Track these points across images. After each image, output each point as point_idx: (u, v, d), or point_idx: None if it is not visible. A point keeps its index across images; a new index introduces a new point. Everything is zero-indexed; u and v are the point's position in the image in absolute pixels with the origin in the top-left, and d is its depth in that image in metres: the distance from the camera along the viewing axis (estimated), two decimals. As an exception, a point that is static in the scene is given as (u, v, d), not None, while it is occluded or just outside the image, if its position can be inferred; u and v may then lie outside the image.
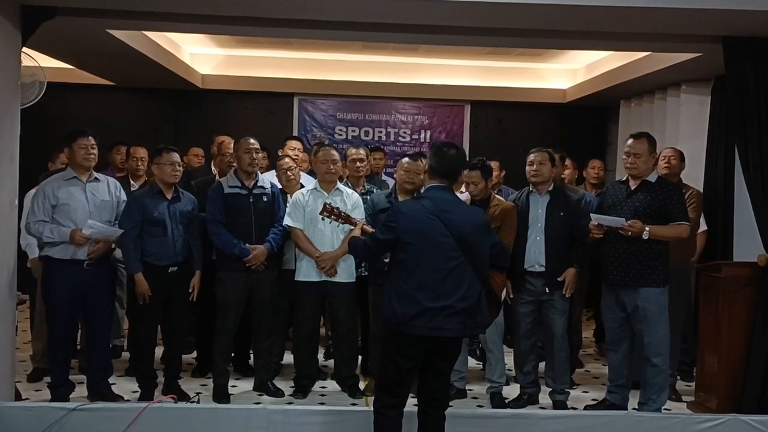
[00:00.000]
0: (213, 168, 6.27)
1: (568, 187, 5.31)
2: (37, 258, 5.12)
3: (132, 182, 5.91)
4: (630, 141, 4.76)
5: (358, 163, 5.48)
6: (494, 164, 5.54)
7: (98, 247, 4.68)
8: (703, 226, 5.71)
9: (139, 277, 4.72)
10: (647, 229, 4.49)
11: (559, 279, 4.80)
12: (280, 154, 6.20)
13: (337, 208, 4.21)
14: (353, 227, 4.17)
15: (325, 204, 4.11)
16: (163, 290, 4.78)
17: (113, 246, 4.83)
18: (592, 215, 4.71)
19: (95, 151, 4.77)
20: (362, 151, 5.61)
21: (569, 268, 4.82)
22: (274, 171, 6.10)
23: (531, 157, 4.93)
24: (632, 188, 4.71)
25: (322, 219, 4.17)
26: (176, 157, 4.89)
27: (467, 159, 3.95)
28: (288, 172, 5.43)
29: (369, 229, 4.01)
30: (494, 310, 3.80)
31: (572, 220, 4.83)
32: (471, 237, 3.52)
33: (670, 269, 4.72)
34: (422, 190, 3.73)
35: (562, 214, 4.84)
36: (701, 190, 5.85)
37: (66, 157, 4.90)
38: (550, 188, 4.93)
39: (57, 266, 4.65)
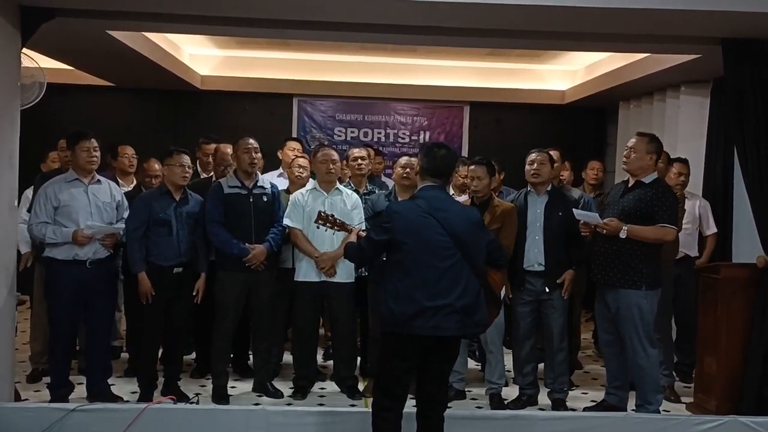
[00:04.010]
0: (199, 171, 6.14)
1: (566, 188, 5.34)
2: (26, 253, 5.22)
3: (120, 181, 5.65)
4: (633, 138, 4.78)
5: (359, 160, 5.50)
6: (491, 166, 5.56)
7: (107, 241, 4.73)
8: (713, 229, 5.75)
9: (142, 276, 4.73)
10: (625, 228, 4.47)
11: (558, 281, 4.82)
12: (279, 155, 6.20)
13: (332, 215, 4.13)
14: (349, 233, 4.04)
15: (319, 212, 4.07)
16: (166, 291, 4.79)
17: (121, 236, 4.84)
18: (574, 211, 4.73)
19: (97, 154, 4.79)
20: (363, 151, 5.65)
21: (568, 269, 4.84)
22: (272, 172, 6.11)
23: (531, 156, 4.94)
24: (628, 187, 4.72)
25: (317, 227, 4.15)
26: (186, 159, 4.89)
27: (458, 159, 3.93)
28: (300, 169, 5.42)
29: (364, 234, 3.92)
30: (494, 309, 3.78)
31: (571, 220, 4.81)
32: (466, 235, 3.52)
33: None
34: (416, 191, 3.72)
35: (560, 214, 4.84)
36: (700, 192, 5.85)
37: (69, 158, 4.89)
38: (549, 189, 4.94)
39: (59, 267, 4.66)
